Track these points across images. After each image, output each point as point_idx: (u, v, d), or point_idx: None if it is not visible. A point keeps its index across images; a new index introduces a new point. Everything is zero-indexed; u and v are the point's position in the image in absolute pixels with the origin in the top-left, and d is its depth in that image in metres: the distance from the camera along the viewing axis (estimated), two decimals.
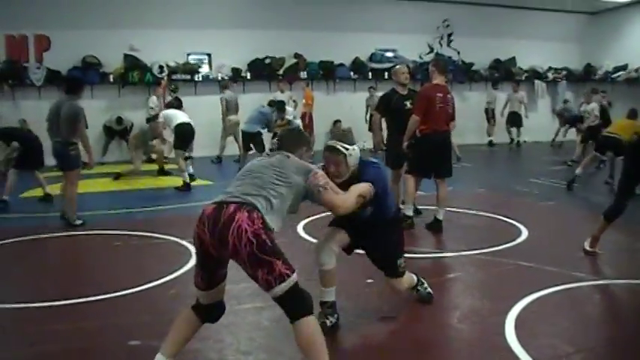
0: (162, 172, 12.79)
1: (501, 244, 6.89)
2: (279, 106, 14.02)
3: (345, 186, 4.01)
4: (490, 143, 18.84)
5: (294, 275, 3.52)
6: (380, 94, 13.56)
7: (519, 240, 7.18)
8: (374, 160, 4.57)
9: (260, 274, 3.45)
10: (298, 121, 14.21)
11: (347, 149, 4.18)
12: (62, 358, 4.15)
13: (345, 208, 3.89)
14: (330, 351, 3.48)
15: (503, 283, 5.76)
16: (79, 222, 8.20)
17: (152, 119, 12.90)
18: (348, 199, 3.90)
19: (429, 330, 4.65)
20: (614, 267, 6.09)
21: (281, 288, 3.46)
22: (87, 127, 9.77)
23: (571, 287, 5.47)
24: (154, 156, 13.52)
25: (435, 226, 7.66)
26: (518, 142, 18.74)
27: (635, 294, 5.49)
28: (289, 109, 14.57)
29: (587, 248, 6.35)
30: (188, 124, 11.40)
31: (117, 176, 12.01)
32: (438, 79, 7.73)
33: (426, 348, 4.38)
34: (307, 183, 3.67)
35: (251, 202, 3.48)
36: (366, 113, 16.97)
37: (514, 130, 18.69)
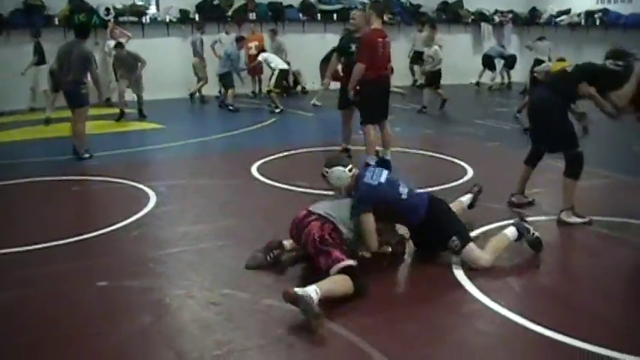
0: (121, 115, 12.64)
1: (448, 183, 7.21)
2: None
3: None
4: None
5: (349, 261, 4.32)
6: None
7: (465, 179, 7.50)
8: (370, 174, 4.89)
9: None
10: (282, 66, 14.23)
11: (326, 172, 4.87)
12: (33, 302, 4.28)
13: (370, 247, 4.79)
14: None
15: None
16: (87, 155, 8.89)
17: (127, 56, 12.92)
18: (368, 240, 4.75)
19: (378, 268, 4.87)
20: (552, 204, 6.42)
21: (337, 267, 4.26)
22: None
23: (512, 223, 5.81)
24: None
25: (383, 166, 7.89)
26: (415, 81, 18.57)
27: (570, 227, 5.84)
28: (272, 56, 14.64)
29: (514, 200, 6.53)
30: None
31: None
32: (377, 23, 7.73)
33: (378, 278, 4.66)
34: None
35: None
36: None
37: (417, 68, 18.44)
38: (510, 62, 18.57)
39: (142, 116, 12.74)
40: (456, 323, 4.06)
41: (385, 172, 4.96)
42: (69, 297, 4.38)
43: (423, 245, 5.08)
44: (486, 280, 4.53)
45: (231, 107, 13.82)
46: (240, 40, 14.80)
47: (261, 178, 7.54)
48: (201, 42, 15.77)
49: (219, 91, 15.22)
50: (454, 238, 4.73)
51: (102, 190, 7.33)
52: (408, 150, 9.13)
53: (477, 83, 18.90)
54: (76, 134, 9.00)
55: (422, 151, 9.21)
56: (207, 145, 10.11)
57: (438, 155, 8.82)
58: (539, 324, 3.81)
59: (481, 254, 4.74)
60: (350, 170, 4.84)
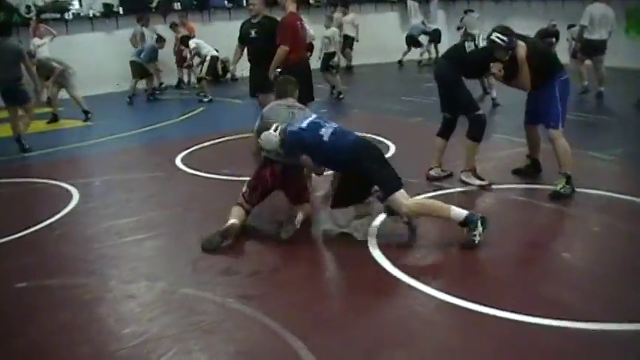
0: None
1: None
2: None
3: None
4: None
5: None
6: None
7: (387, 155, 7.63)
8: (293, 122, 5.26)
9: None
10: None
11: (260, 141, 5.19)
12: None
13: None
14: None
15: None
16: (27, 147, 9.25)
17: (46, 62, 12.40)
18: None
19: (296, 247, 5.05)
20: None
21: None
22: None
23: (431, 196, 6.01)
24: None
25: None
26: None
27: (485, 197, 6.10)
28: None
29: (432, 174, 6.77)
30: None
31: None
32: (292, 7, 7.72)
33: (293, 263, 4.82)
34: None
35: None
36: None
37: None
38: (435, 37, 18.91)
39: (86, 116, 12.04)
40: (373, 302, 4.16)
41: (310, 117, 5.16)
42: None
43: (348, 192, 5.13)
44: (402, 257, 4.71)
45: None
46: (160, 41, 14.90)
47: (185, 169, 7.60)
48: (143, 35, 15.54)
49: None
50: (376, 188, 4.99)
51: (25, 191, 7.27)
52: None
53: (400, 62, 19.14)
54: (24, 127, 9.55)
55: None
56: (133, 139, 10.08)
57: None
58: (457, 296, 3.97)
59: (404, 201, 4.81)
60: (276, 129, 5.02)
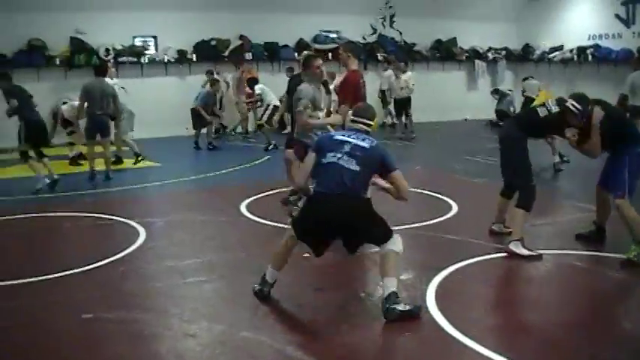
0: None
1: (432, 219, 7.40)
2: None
3: None
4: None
5: None
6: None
7: (449, 215, 7.71)
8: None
9: None
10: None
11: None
12: (16, 333, 4.46)
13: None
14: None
15: (429, 254, 6.26)
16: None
17: None
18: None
19: (356, 296, 5.10)
20: (530, 238, 6.59)
21: None
22: None
23: (490, 258, 6.02)
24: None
25: None
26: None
27: (546, 262, 6.02)
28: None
29: (495, 228, 6.82)
30: None
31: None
32: (355, 65, 7.62)
33: (352, 313, 4.82)
34: None
35: None
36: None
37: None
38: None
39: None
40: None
41: (348, 134, 4.94)
42: (54, 328, 4.56)
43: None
44: (460, 316, 4.69)
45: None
46: (213, 83, 15.25)
47: (249, 215, 7.73)
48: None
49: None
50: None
51: (93, 226, 7.51)
52: None
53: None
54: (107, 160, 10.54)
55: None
56: (200, 183, 10.34)
57: (424, 191, 8.98)
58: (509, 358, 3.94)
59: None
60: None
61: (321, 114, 7.15)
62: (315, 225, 4.76)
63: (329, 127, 7.14)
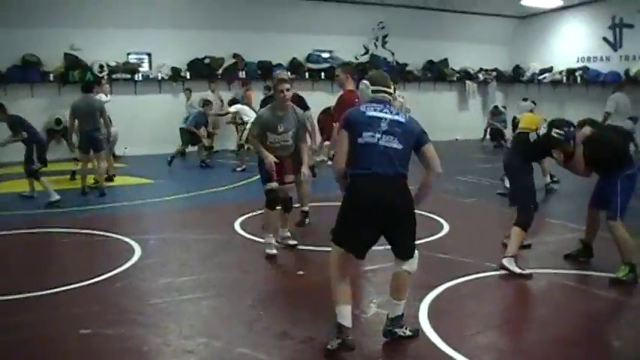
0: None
1: (424, 238, 7.45)
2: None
3: None
4: None
5: None
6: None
7: (441, 234, 7.81)
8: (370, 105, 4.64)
9: None
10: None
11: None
12: (15, 348, 4.51)
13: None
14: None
15: (421, 273, 6.23)
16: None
17: None
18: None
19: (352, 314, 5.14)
20: (522, 257, 6.70)
21: None
22: None
23: (481, 276, 6.12)
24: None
25: None
26: None
27: (537, 281, 6.13)
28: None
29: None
30: None
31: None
32: (351, 85, 7.74)
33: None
34: None
35: None
36: None
37: None
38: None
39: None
40: None
41: (379, 108, 4.53)
42: (52, 343, 4.61)
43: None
44: (453, 333, 4.78)
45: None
46: (207, 104, 15.00)
47: (243, 233, 7.80)
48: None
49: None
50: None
51: (89, 242, 7.56)
52: None
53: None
54: (100, 172, 10.92)
55: None
56: (194, 200, 10.41)
57: (416, 211, 9.02)
58: None
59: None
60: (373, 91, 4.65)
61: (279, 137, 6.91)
62: (361, 214, 4.34)
63: None
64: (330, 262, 4.50)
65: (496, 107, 19.20)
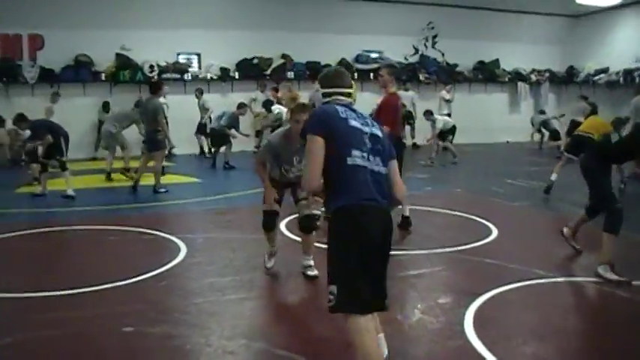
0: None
1: (471, 243, 7.35)
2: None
3: None
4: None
5: None
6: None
7: (489, 239, 7.64)
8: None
9: None
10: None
11: None
12: (60, 343, 4.55)
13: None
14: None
15: (468, 279, 6.21)
16: (162, 190, 10.86)
17: None
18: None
19: (393, 320, 5.04)
20: (572, 265, 6.55)
21: None
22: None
23: (530, 284, 5.94)
24: None
25: (404, 224, 8.03)
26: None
27: (587, 289, 5.96)
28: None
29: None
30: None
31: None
32: (393, 88, 7.79)
33: (389, 334, 4.81)
34: None
35: None
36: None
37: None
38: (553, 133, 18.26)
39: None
40: None
41: (353, 115, 3.54)
42: (95, 340, 4.63)
43: None
44: (499, 343, 4.66)
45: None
46: (240, 107, 14.72)
47: (289, 234, 7.77)
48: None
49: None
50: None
51: (136, 240, 7.63)
52: (433, 209, 9.31)
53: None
54: (155, 172, 10.98)
55: (448, 210, 9.33)
56: (240, 200, 10.43)
57: (464, 214, 8.95)
58: None
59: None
60: None
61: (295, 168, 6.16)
62: (370, 255, 3.39)
63: None
64: (350, 329, 3.45)
65: (542, 111, 18.82)
